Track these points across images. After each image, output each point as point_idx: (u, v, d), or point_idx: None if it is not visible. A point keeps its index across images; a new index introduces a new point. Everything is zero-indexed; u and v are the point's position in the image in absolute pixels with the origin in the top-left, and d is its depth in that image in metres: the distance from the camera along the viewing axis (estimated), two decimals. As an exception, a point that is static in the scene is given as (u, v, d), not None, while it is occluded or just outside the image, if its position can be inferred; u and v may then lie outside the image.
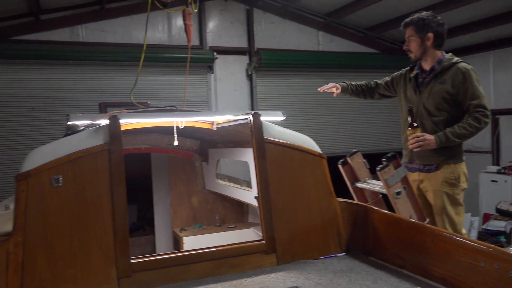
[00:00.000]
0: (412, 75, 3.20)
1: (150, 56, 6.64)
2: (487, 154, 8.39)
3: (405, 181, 2.78)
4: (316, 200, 2.53)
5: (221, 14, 7.90)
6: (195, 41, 7.59)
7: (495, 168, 7.78)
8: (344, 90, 3.54)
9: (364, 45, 8.81)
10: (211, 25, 7.82)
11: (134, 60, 6.81)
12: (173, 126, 2.92)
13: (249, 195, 3.50)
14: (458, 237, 1.95)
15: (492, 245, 1.86)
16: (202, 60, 7.43)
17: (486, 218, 7.48)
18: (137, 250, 4.81)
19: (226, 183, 3.98)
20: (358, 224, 2.55)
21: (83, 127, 2.28)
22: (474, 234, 6.37)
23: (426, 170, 3.08)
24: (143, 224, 5.28)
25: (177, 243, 4.05)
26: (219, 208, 4.33)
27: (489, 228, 6.98)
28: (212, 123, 3.08)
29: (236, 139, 3.48)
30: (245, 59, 8.02)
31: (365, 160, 3.12)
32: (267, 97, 8.10)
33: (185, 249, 3.84)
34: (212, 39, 7.79)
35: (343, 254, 2.50)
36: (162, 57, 7.14)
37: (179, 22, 7.52)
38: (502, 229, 6.75)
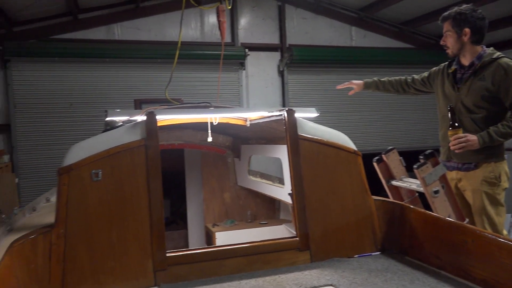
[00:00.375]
0: (450, 71, 3.09)
1: (183, 53, 6.71)
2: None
3: (443, 179, 2.70)
4: (351, 198, 2.50)
5: (253, 11, 7.90)
6: (227, 38, 7.62)
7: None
8: (369, 85, 3.53)
9: (398, 40, 8.62)
10: (243, 21, 7.84)
11: (167, 57, 6.92)
12: (206, 122, 2.95)
13: (282, 192, 3.49)
14: (501, 238, 1.88)
15: (537, 247, 1.78)
16: (234, 56, 7.47)
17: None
18: (170, 244, 4.90)
19: (258, 179, 3.99)
20: (394, 222, 2.50)
21: (121, 123, 2.33)
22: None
23: (465, 169, 2.97)
24: (176, 219, 5.37)
25: (209, 238, 4.09)
26: (251, 204, 4.35)
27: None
28: (246, 120, 3.09)
29: (269, 135, 3.48)
30: (276, 55, 8.00)
31: (401, 157, 3.05)
32: (298, 93, 8.05)
33: (217, 244, 3.88)
34: (244, 36, 7.81)
35: (378, 253, 2.46)
36: (195, 54, 7.22)
37: (211, 19, 7.57)
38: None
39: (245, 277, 2.15)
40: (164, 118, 2.66)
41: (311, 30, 8.18)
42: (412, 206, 2.45)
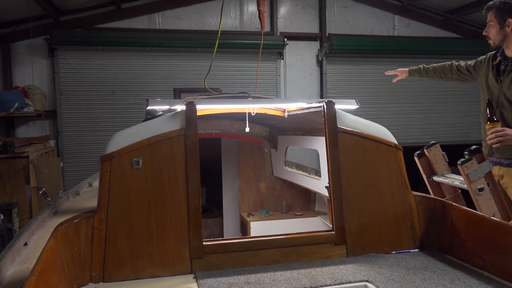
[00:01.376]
0: (495, 63, 2.96)
1: (222, 43, 6.74)
2: None
3: (489, 176, 2.58)
4: (390, 193, 2.44)
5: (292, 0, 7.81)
6: (266, 27, 7.58)
7: None
8: (413, 72, 3.59)
9: (443, 29, 8.30)
10: (283, 10, 7.77)
11: (207, 46, 7.00)
12: (244, 113, 2.95)
13: (318, 184, 3.46)
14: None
15: None
16: (272, 46, 7.44)
17: None
18: (206, 232, 4.97)
19: (294, 170, 3.97)
20: (434, 220, 2.42)
21: (161, 112, 2.37)
22: None
23: (507, 165, 2.84)
24: (212, 207, 5.45)
25: (244, 228, 4.12)
26: (286, 195, 4.34)
27: None
28: (284, 111, 3.07)
29: (306, 127, 3.45)
30: (315, 45, 7.89)
31: (443, 152, 2.94)
32: (337, 83, 7.93)
33: (252, 234, 3.90)
34: (283, 25, 7.75)
35: (417, 250, 2.39)
36: (234, 43, 7.24)
37: (250, 8, 7.55)
38: None
39: (279, 269, 2.15)
40: (203, 108, 2.69)
41: (352, 19, 8.00)
42: (454, 204, 2.36)
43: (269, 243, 2.25)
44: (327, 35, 7.79)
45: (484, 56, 3.14)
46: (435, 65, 3.49)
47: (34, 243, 2.38)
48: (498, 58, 2.95)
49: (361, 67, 7.95)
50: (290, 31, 7.71)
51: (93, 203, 2.96)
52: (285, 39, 7.49)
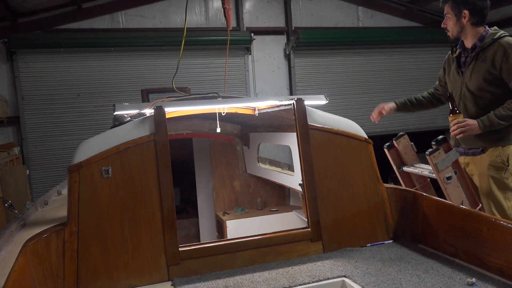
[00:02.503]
0: (455, 55, 3.03)
1: (188, 40, 6.64)
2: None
3: (456, 165, 2.66)
4: (362, 186, 2.48)
5: (257, -6, 7.78)
6: (232, 23, 7.53)
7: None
8: (402, 107, 3.31)
9: (406, 19, 8.46)
10: (248, 5, 7.73)
11: (172, 44, 6.89)
12: (214, 112, 2.92)
13: (291, 179, 3.48)
14: (518, 226, 1.85)
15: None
16: (239, 42, 7.39)
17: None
18: (182, 233, 4.94)
19: (268, 167, 3.97)
20: (406, 210, 2.48)
21: (129, 118, 2.31)
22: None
23: (472, 153, 2.94)
24: (186, 207, 5.40)
25: (220, 227, 4.11)
26: (260, 191, 4.35)
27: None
28: (254, 109, 3.06)
29: (277, 123, 3.45)
30: (282, 39, 7.90)
31: (412, 143, 3.01)
32: (305, 76, 7.98)
33: (228, 233, 3.90)
34: (249, 20, 7.71)
35: (391, 241, 2.45)
36: (200, 40, 7.16)
37: (215, 4, 7.48)
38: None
39: (258, 270, 2.15)
40: (172, 111, 2.64)
41: (317, 11, 8.05)
42: (424, 194, 2.42)
43: (246, 244, 2.24)
44: (293, 28, 7.81)
45: (446, 56, 3.21)
46: (418, 95, 3.37)
47: (2, 260, 2.29)
48: (458, 50, 3.02)
49: (328, 59, 8.03)
50: (256, 25, 7.68)
51: (63, 212, 2.87)
52: (252, 34, 7.46)
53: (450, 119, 2.78)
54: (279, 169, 3.80)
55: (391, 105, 3.25)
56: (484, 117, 2.74)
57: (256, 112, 3.07)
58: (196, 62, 7.25)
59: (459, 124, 2.72)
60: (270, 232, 2.34)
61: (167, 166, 2.15)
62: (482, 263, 1.97)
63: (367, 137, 2.54)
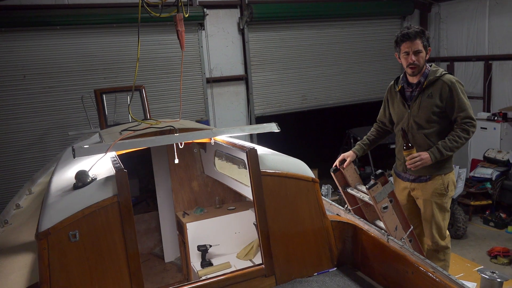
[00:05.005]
0: (397, 89, 3.28)
1: (141, 17, 6.52)
2: (478, 99, 8.50)
3: (391, 194, 2.99)
4: (310, 222, 2.76)
5: (209, -33, 7.53)
6: None
7: (485, 114, 7.96)
8: (362, 152, 3.50)
9: (358, -7, 8.53)
10: (200, -21, 7.49)
11: (122, 21, 6.68)
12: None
13: (248, 190, 3.70)
14: (437, 276, 2.20)
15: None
16: (192, 18, 7.25)
17: (474, 164, 7.82)
18: (142, 226, 5.13)
19: (224, 172, 4.16)
20: (348, 241, 2.81)
21: (92, 177, 2.40)
22: (461, 185, 6.74)
23: (419, 181, 3.32)
24: (146, 198, 5.56)
25: (181, 228, 4.33)
26: (218, 190, 4.56)
27: (476, 175, 7.37)
28: (210, 139, 3.21)
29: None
30: (236, 13, 7.81)
31: (355, 167, 3.30)
32: (260, 51, 8.03)
33: (189, 235, 4.14)
34: (202, -5, 7.52)
35: (335, 268, 2.79)
36: (153, 17, 6.92)
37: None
38: (488, 176, 7.14)
39: (219, 309, 2.43)
40: (130, 150, 2.75)
41: (270, -15, 7.94)
42: (364, 229, 2.75)
43: (207, 286, 2.50)
44: (246, 2, 7.71)
45: (388, 87, 3.44)
46: (370, 135, 3.56)
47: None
48: (400, 85, 3.27)
49: (282, 33, 8.07)
50: (209, -1, 7.52)
51: (27, 234, 2.95)
52: (205, 10, 7.31)
53: (404, 154, 3.12)
54: (235, 178, 4.01)
55: (351, 155, 3.34)
56: (434, 149, 3.08)
57: (212, 141, 3.23)
58: (150, 39, 7.10)
59: (414, 159, 3.06)
60: (228, 271, 2.60)
61: (131, 225, 2.31)
62: (408, 301, 2.35)
63: (314, 177, 2.79)
